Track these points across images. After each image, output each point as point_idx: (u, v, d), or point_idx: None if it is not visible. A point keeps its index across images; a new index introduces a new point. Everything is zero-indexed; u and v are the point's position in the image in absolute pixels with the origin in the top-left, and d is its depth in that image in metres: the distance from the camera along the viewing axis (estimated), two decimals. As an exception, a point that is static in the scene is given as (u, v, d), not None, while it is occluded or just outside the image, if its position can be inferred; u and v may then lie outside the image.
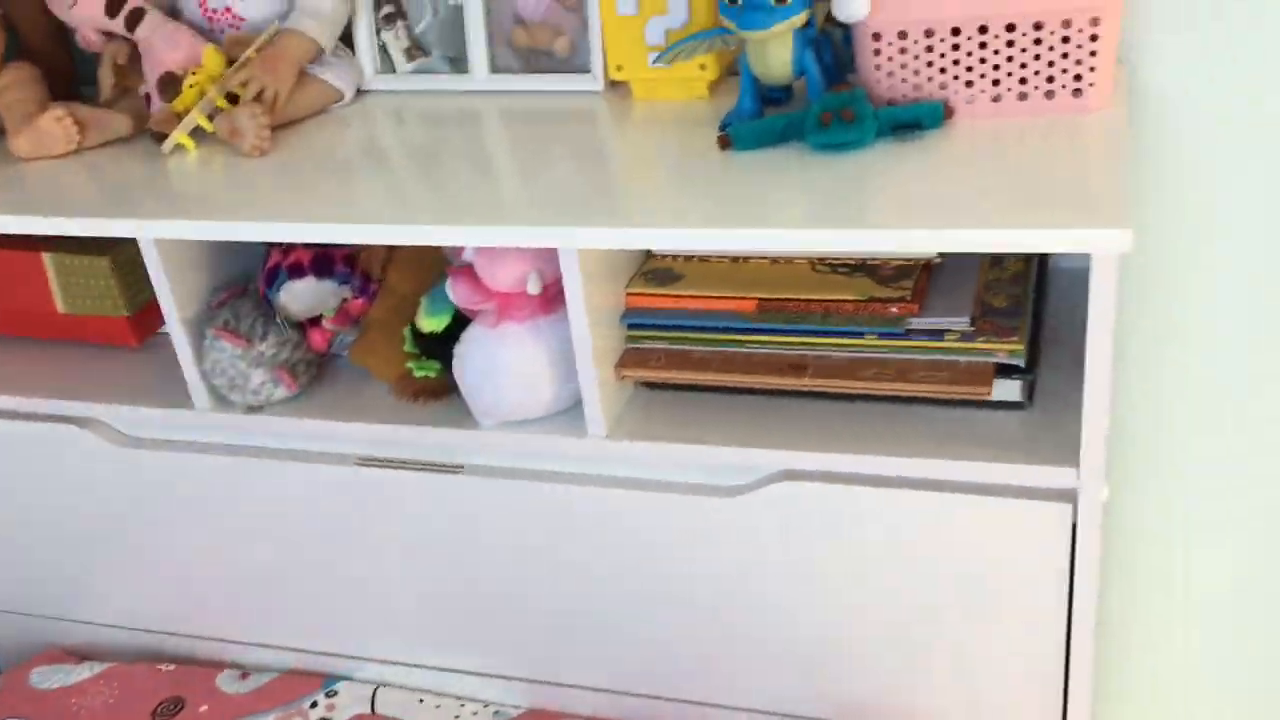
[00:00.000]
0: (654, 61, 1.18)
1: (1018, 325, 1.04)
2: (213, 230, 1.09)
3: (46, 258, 1.28)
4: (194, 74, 1.23)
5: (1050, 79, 1.05)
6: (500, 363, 1.08)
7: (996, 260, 1.14)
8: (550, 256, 1.06)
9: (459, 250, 1.11)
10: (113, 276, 1.27)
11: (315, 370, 1.22)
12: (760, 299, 1.08)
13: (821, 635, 1.14)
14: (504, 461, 1.17)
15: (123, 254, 1.27)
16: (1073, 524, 1.00)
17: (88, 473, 1.31)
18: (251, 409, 1.20)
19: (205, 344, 1.18)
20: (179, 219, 1.09)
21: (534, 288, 1.05)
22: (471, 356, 1.09)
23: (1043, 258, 1.17)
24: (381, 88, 1.35)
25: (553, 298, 1.08)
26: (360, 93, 1.35)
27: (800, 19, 1.04)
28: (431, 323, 1.14)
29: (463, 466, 1.18)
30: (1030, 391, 1.06)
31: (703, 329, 1.10)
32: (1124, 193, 0.91)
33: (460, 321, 1.14)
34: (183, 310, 1.17)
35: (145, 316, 1.32)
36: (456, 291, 1.07)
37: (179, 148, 1.23)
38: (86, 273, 1.27)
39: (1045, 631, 1.06)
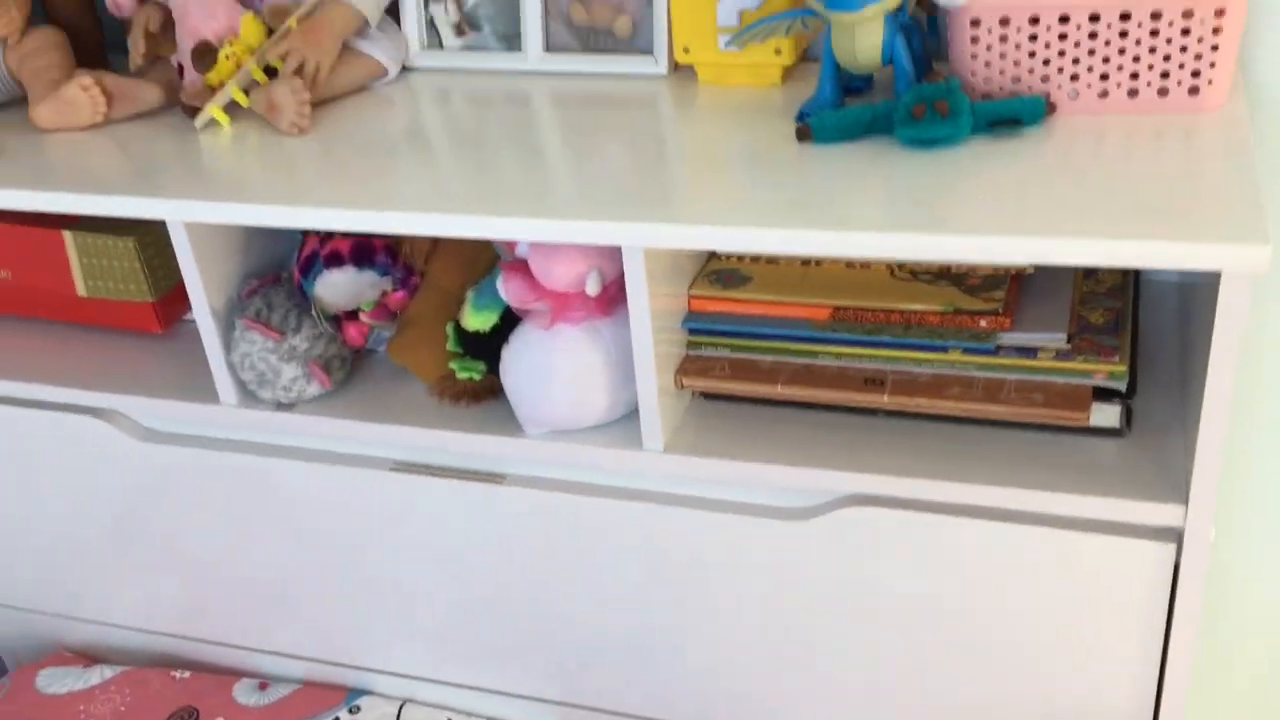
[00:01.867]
0: (726, 44, 1.10)
1: (1118, 344, 0.95)
2: (247, 214, 1.00)
3: (68, 236, 1.20)
4: (230, 44, 1.15)
5: (1165, 74, 0.95)
6: (553, 367, 0.99)
7: (1090, 272, 1.05)
8: (610, 254, 0.97)
9: (511, 244, 1.03)
10: (138, 258, 1.19)
11: (350, 367, 1.14)
12: (835, 306, 1.00)
13: (885, 675, 1.06)
14: (550, 473, 1.09)
15: (149, 235, 1.19)
16: (1175, 565, 0.91)
17: (105, 466, 1.23)
18: (281, 406, 1.12)
19: (235, 335, 1.10)
20: (211, 200, 1.01)
21: (593, 288, 0.97)
22: (521, 359, 1.01)
23: (1137, 270, 1.08)
24: (428, 64, 1.27)
25: (611, 298, 1.00)
26: (405, 69, 1.26)
27: (894, 2, 0.95)
28: (478, 320, 1.06)
29: (504, 476, 1.10)
30: (1129, 418, 0.97)
31: (771, 336, 1.02)
32: (1258, 203, 0.82)
33: (509, 320, 1.05)
34: (212, 298, 1.09)
35: (170, 302, 1.24)
36: (509, 289, 0.98)
37: (212, 123, 1.15)
38: (110, 254, 1.20)
39: (1134, 682, 0.97)
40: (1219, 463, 0.85)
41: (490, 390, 1.09)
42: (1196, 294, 1.00)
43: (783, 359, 1.02)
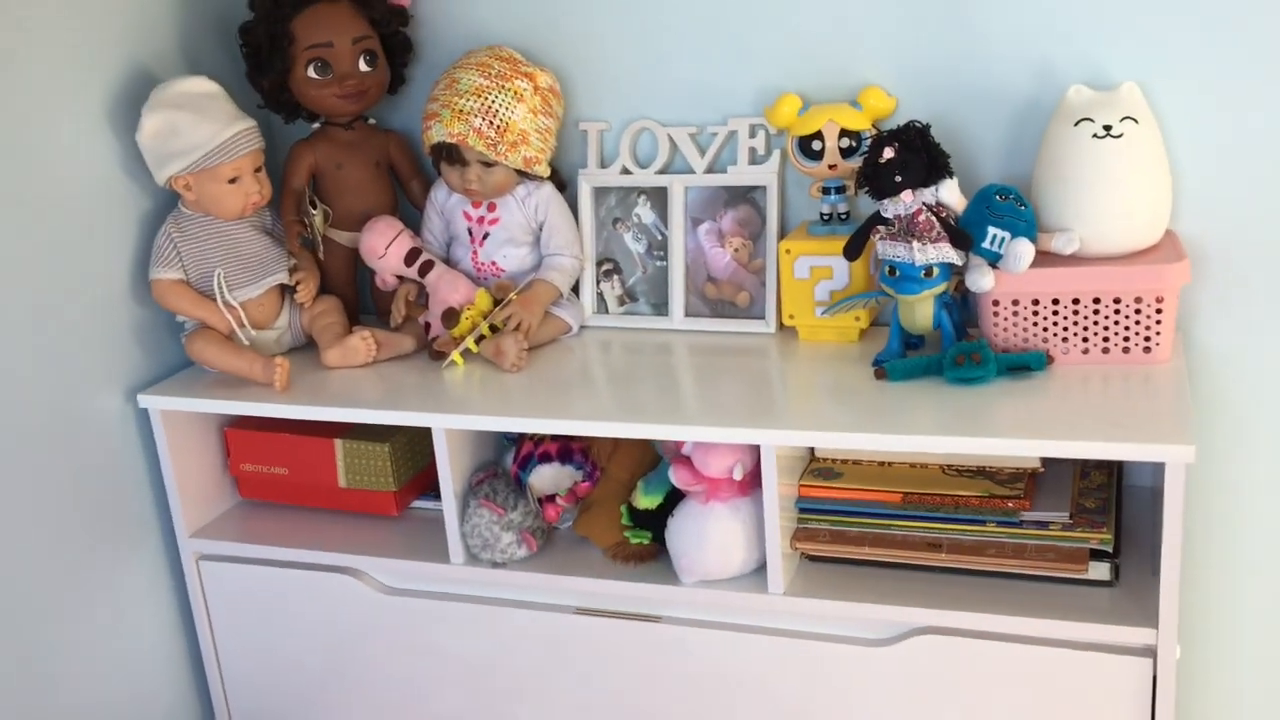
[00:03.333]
0: (821, 314, 1.57)
1: (1106, 520, 1.36)
2: (495, 423, 1.46)
3: (337, 443, 1.65)
4: (469, 309, 1.64)
5: (1126, 339, 1.41)
6: (707, 531, 1.41)
7: (1084, 473, 1.47)
8: (749, 453, 1.41)
9: (674, 445, 1.46)
10: (389, 459, 1.63)
11: (546, 537, 1.56)
12: (905, 492, 1.42)
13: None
14: (697, 615, 1.48)
15: (398, 442, 1.64)
16: (1153, 677, 1.29)
17: (356, 615, 1.63)
18: (496, 565, 1.53)
19: (468, 511, 1.53)
20: (467, 414, 1.47)
21: (738, 475, 1.40)
22: (684, 526, 1.43)
23: (1120, 475, 1.50)
24: (598, 324, 1.75)
25: (747, 484, 1.42)
26: (583, 328, 1.74)
27: (941, 288, 1.43)
28: (647, 500, 1.48)
29: (661, 617, 1.49)
30: (1116, 573, 1.36)
31: (859, 514, 1.44)
32: (1188, 419, 1.25)
33: (668, 501, 1.48)
34: (455, 485, 1.53)
35: (405, 492, 1.68)
36: (678, 475, 1.42)
37: (453, 363, 1.62)
38: (368, 456, 1.64)
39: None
40: (1176, 597, 1.25)
41: (653, 553, 1.50)
42: (1160, 493, 1.41)
43: (868, 530, 1.43)
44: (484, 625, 1.57)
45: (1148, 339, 1.40)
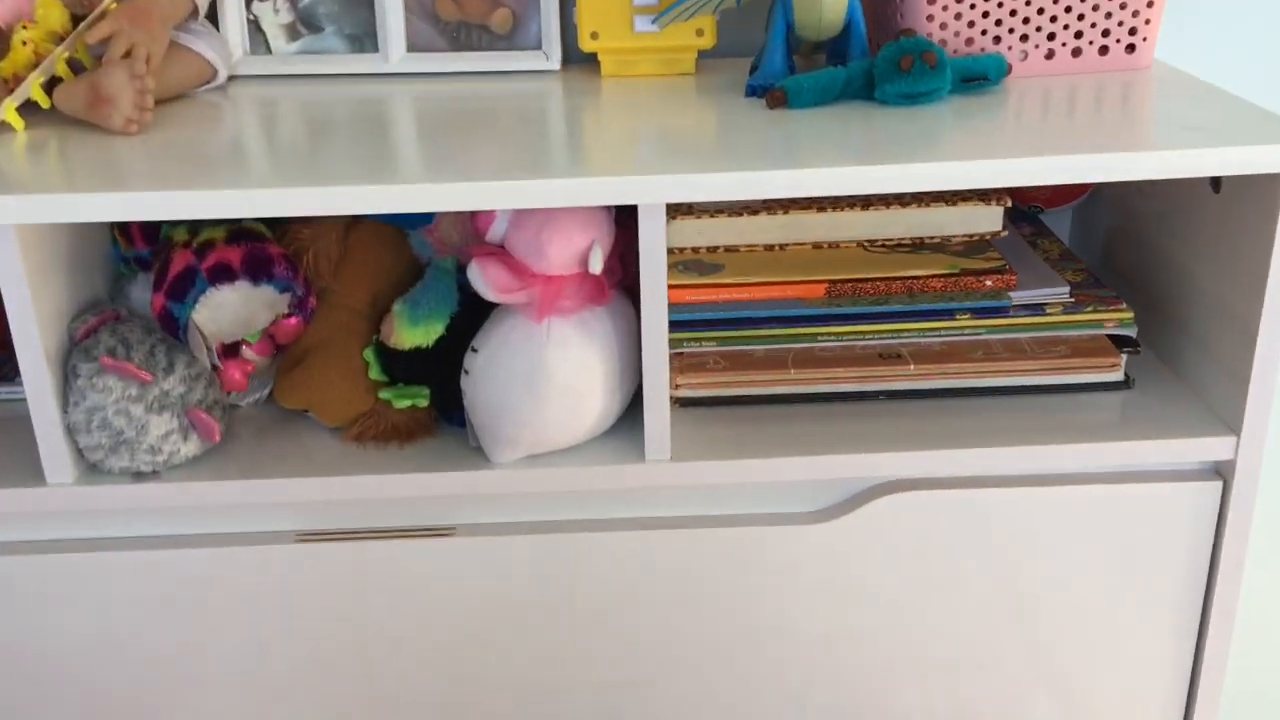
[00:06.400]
0: (651, 23, 1.00)
1: (1116, 294, 0.93)
2: (103, 206, 0.76)
3: None
4: (25, 28, 0.89)
5: (1106, 32, 0.97)
6: (547, 369, 0.82)
7: (1033, 243, 1.03)
8: (605, 228, 0.82)
9: (457, 234, 0.85)
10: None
11: (227, 419, 0.89)
12: (830, 281, 0.91)
13: (946, 680, 0.95)
14: (520, 515, 0.89)
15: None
16: (1220, 504, 0.88)
17: None
18: (140, 476, 0.85)
19: (78, 384, 0.82)
20: (45, 194, 0.76)
21: (596, 264, 0.81)
22: (501, 365, 0.82)
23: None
24: (252, 72, 1.06)
25: (600, 283, 0.84)
26: (230, 78, 1.05)
27: (868, -49, 0.91)
28: (416, 335, 0.86)
29: (454, 528, 0.89)
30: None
31: (765, 321, 0.91)
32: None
33: (452, 332, 0.87)
34: (44, 339, 0.81)
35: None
36: (489, 276, 0.80)
37: (4, 126, 0.88)
38: None
39: (1178, 626, 0.93)
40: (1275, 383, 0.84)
41: (426, 427, 0.88)
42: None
43: (779, 345, 0.91)
44: (132, 581, 0.88)
45: (1133, 31, 0.97)
